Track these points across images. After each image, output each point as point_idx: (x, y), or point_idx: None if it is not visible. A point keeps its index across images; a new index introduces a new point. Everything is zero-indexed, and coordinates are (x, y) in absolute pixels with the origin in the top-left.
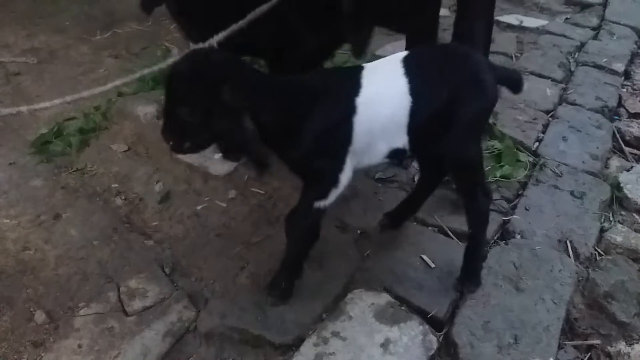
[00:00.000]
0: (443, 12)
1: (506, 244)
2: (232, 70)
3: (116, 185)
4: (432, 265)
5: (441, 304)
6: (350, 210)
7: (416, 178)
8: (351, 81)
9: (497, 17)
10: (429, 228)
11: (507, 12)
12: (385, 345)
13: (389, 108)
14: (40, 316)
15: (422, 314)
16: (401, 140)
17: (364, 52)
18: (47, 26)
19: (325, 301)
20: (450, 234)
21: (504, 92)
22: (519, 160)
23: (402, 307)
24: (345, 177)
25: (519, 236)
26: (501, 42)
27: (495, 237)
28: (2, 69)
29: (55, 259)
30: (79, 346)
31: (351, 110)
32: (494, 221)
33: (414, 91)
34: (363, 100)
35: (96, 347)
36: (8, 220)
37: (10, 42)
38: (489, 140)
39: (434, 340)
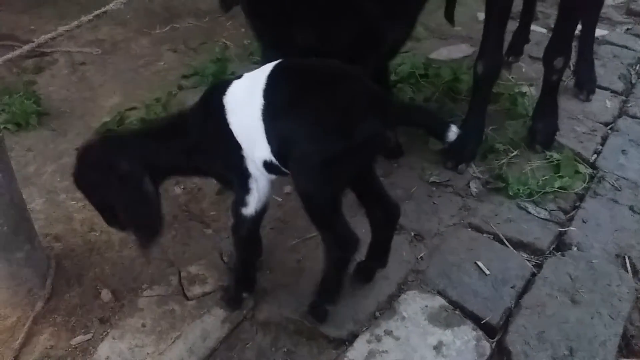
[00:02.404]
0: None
1: (562, 255)
2: (122, 146)
3: None
4: (487, 272)
5: (495, 311)
6: (404, 212)
7: (471, 184)
8: (223, 86)
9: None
10: (484, 235)
11: None
12: (438, 347)
13: (247, 108)
14: (106, 294)
15: (475, 319)
16: (266, 151)
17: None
18: (109, 19)
19: (379, 300)
20: (506, 242)
21: (562, 101)
22: (577, 172)
23: (456, 312)
24: (255, 184)
25: (575, 248)
26: None
27: (551, 248)
28: (68, 59)
29: (120, 242)
30: (143, 325)
31: (220, 108)
32: (550, 231)
33: (267, 97)
34: (228, 99)
35: (158, 328)
36: (75, 202)
37: (75, 34)
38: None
39: (487, 347)
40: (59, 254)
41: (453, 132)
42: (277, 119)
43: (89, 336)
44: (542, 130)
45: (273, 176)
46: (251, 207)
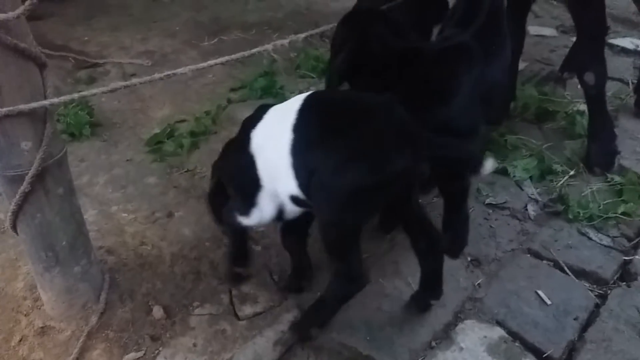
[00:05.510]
0: (550, 32)
1: (628, 285)
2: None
3: None
4: (548, 302)
5: (557, 344)
6: None
7: (529, 206)
8: (260, 113)
9: (610, 40)
10: (544, 262)
11: (620, 35)
12: None
13: (275, 144)
14: (158, 311)
15: (536, 352)
16: (292, 186)
17: None
18: (159, 30)
19: (435, 329)
20: (567, 271)
21: (623, 121)
22: None
23: (516, 343)
24: (259, 213)
25: None
26: (615, 67)
27: (615, 278)
28: (119, 70)
29: (171, 257)
30: (194, 345)
31: (248, 142)
32: (614, 260)
33: (297, 131)
34: (257, 133)
35: (210, 348)
36: (126, 214)
37: (127, 44)
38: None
39: None
40: (112, 268)
41: (489, 166)
42: (307, 153)
43: (140, 354)
44: (597, 151)
45: (299, 209)
46: (252, 219)
